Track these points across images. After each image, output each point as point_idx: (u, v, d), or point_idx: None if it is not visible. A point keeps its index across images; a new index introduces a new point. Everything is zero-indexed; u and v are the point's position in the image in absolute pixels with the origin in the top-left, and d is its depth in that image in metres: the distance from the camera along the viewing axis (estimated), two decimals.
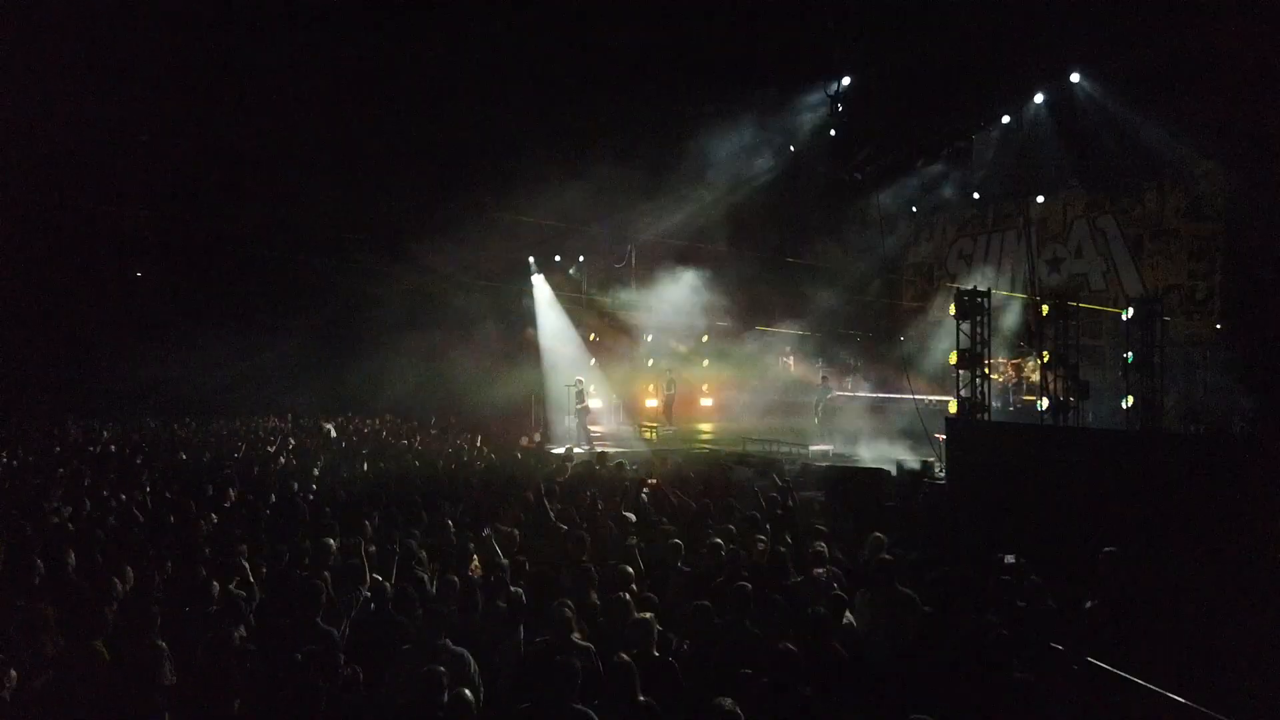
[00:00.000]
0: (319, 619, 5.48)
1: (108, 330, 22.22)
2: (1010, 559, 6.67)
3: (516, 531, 7.80)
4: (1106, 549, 6.44)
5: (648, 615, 5.16)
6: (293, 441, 16.50)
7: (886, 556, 6.44)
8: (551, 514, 8.42)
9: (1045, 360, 12.19)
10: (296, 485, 11.01)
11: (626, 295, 22.69)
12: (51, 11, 14.75)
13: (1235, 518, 7.69)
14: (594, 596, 5.87)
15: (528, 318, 23.40)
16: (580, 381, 19.62)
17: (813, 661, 4.68)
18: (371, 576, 6.33)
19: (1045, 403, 12.08)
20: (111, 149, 18.19)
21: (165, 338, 21.52)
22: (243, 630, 5.52)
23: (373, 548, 7.17)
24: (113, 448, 15.10)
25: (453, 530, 7.84)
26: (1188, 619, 5.90)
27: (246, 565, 6.51)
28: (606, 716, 4.21)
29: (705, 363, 23.03)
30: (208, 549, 7.26)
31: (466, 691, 4.30)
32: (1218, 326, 15.50)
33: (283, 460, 13.98)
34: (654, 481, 10.29)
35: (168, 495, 10.10)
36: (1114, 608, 5.87)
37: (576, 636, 5.09)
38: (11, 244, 19.26)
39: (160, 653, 4.78)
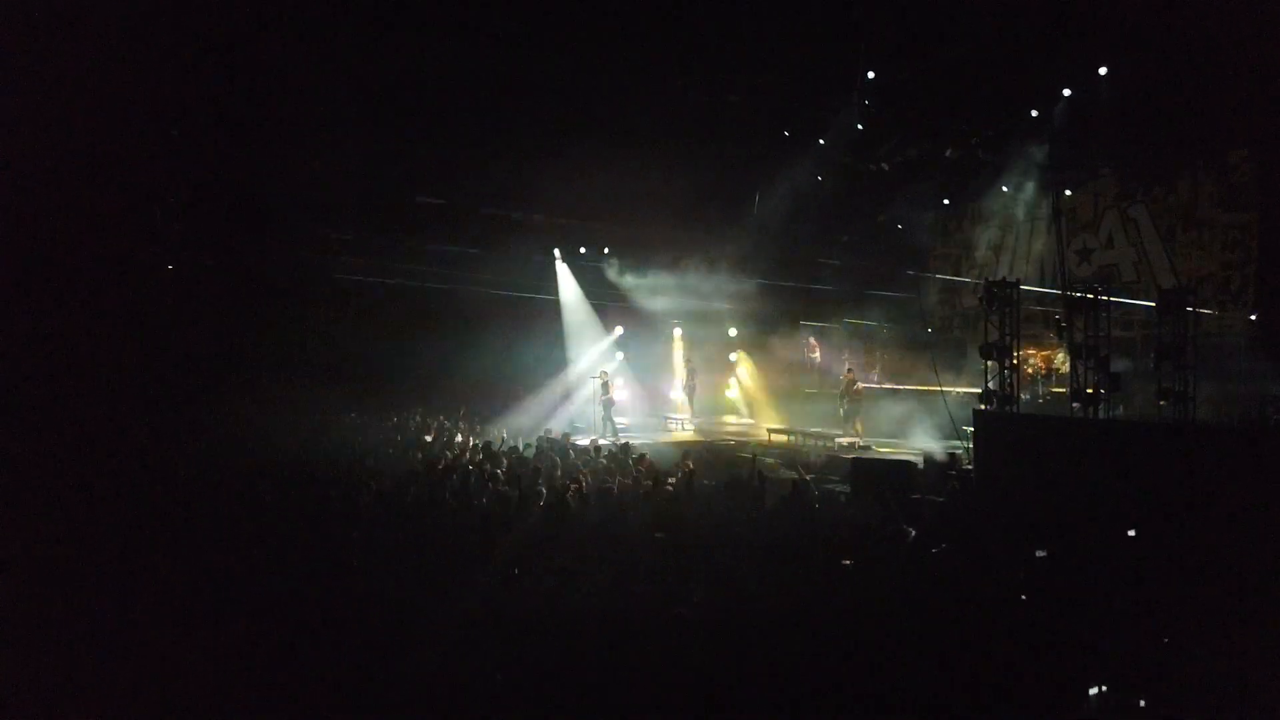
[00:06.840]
0: None
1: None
2: (1041, 553, 6.66)
3: None
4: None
5: None
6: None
7: None
8: None
9: (1074, 352, 12.04)
10: None
11: (652, 288, 22.71)
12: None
13: (1269, 508, 7.62)
14: None
15: (552, 309, 23.47)
16: (605, 373, 19.75)
17: None
18: None
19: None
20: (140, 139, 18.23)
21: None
22: None
23: None
24: None
25: None
26: (1220, 611, 5.87)
27: None
28: None
29: (731, 355, 23.05)
30: None
31: None
32: (1251, 317, 15.25)
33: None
34: (689, 466, 10.42)
35: None
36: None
37: None
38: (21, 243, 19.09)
39: None
